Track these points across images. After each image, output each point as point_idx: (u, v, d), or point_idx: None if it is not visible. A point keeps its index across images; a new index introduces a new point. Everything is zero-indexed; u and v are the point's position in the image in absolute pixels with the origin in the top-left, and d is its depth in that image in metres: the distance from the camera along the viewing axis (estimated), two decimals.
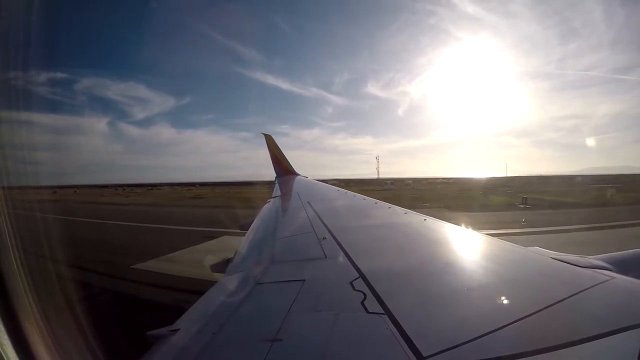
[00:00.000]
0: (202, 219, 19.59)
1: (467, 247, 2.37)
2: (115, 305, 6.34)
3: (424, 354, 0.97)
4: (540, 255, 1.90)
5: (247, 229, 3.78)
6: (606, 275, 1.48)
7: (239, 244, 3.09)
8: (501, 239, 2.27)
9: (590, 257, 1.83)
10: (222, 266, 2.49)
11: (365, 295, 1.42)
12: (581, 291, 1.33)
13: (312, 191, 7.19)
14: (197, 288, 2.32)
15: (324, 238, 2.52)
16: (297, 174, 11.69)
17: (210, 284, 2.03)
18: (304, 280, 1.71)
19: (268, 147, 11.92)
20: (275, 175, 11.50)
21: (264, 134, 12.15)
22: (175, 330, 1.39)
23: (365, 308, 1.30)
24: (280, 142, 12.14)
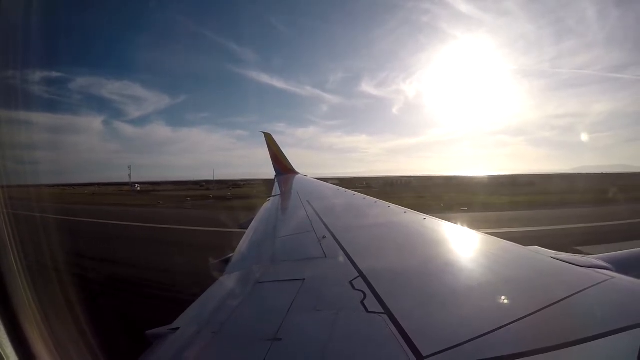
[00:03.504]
0: None
1: (466, 246, 2.37)
2: None
3: (424, 354, 0.97)
4: (540, 254, 1.90)
5: (247, 228, 3.77)
6: (606, 275, 1.48)
7: None
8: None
9: (590, 256, 1.83)
10: (222, 265, 2.49)
11: (365, 294, 1.42)
12: (581, 291, 1.33)
13: (311, 190, 7.18)
14: None
15: (324, 237, 2.52)
16: (297, 173, 11.68)
17: (210, 282, 2.03)
18: (304, 279, 1.71)
19: (268, 145, 11.90)
20: (275, 173, 11.50)
21: (263, 132, 12.14)
22: (175, 329, 1.39)
23: (365, 307, 1.30)
24: (276, 140, 12.14)
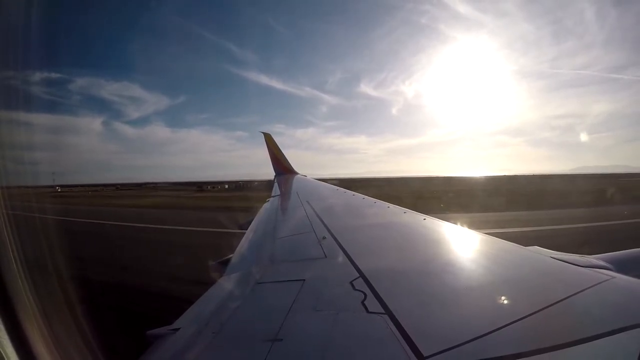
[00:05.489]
0: None
1: (467, 246, 2.38)
2: None
3: (425, 354, 0.97)
4: (540, 254, 1.91)
5: (246, 228, 3.78)
6: (606, 274, 1.48)
7: None
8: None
9: (590, 256, 1.84)
10: (222, 266, 2.49)
11: (365, 294, 1.42)
12: (581, 291, 1.34)
13: (311, 190, 7.19)
14: None
15: (324, 238, 2.52)
16: (297, 173, 11.69)
17: (210, 283, 2.03)
18: (304, 280, 1.71)
19: (267, 146, 11.91)
20: (274, 174, 11.51)
21: (263, 132, 12.15)
22: (175, 330, 1.39)
23: (366, 308, 1.30)
24: (275, 141, 12.12)
